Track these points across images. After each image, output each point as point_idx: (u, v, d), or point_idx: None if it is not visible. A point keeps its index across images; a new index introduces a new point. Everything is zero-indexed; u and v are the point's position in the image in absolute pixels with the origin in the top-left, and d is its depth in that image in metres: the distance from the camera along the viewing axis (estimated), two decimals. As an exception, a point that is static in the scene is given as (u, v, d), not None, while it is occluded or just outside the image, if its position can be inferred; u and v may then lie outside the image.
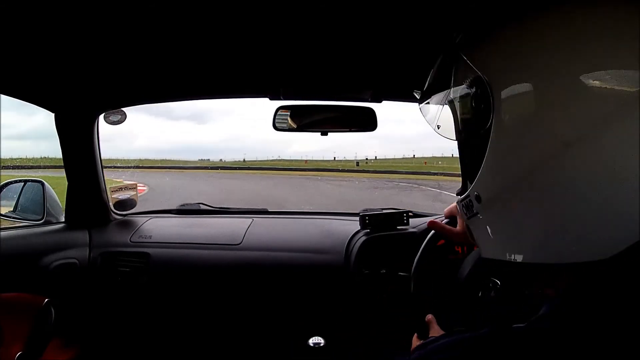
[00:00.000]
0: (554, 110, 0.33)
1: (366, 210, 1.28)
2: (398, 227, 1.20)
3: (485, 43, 0.41)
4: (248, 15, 0.73)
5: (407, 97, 1.23)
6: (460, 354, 0.33)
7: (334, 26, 0.78)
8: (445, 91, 0.45)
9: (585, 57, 0.33)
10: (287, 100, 1.15)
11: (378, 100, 1.18)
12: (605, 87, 0.32)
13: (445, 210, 0.76)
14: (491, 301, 0.77)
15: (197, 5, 0.69)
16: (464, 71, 0.41)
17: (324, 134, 1.19)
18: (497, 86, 0.37)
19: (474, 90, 0.40)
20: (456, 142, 0.48)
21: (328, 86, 1.15)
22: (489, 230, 0.40)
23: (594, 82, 0.32)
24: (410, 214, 1.25)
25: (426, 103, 0.50)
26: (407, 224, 1.21)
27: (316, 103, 1.16)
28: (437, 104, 0.48)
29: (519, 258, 0.37)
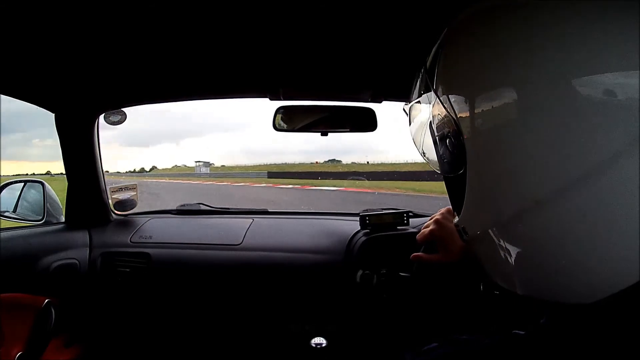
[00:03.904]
0: (528, 164, 0.30)
1: (366, 210, 1.28)
2: (398, 228, 1.20)
3: (450, 67, 0.37)
4: (248, 15, 0.73)
5: (407, 98, 1.23)
6: None
7: (334, 26, 0.78)
8: (425, 120, 0.42)
9: (575, 87, 0.28)
10: (287, 101, 1.15)
11: (378, 100, 1.18)
12: (593, 133, 0.28)
13: (418, 237, 0.75)
14: (490, 302, 0.77)
15: (197, 6, 0.69)
16: (436, 104, 0.38)
17: (324, 134, 1.19)
18: (467, 131, 0.34)
19: (446, 130, 0.37)
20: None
21: (328, 86, 1.15)
22: (481, 258, 0.40)
23: (581, 125, 0.28)
24: (410, 214, 1.25)
25: (412, 123, 0.47)
26: (408, 224, 1.21)
27: (316, 103, 1.16)
28: (420, 129, 0.45)
29: (508, 288, 0.36)
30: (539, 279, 0.33)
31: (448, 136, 0.36)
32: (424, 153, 0.44)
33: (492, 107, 0.32)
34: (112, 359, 1.27)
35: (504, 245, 0.34)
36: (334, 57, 0.96)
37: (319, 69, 1.04)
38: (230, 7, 0.70)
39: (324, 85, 1.14)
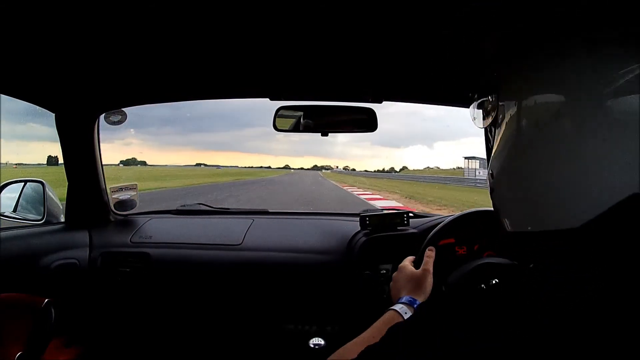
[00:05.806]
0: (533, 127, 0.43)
1: (366, 210, 1.28)
2: (398, 228, 1.20)
3: (512, 66, 0.48)
4: (249, 15, 0.73)
5: (408, 98, 1.23)
6: None
7: (334, 27, 0.78)
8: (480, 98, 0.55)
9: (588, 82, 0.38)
10: (288, 101, 1.15)
11: (378, 100, 1.18)
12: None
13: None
14: (489, 301, 0.77)
15: (197, 6, 0.69)
16: (490, 87, 0.52)
17: (325, 134, 1.19)
18: (506, 106, 0.47)
19: (490, 104, 0.51)
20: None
21: (328, 87, 1.15)
22: (499, 204, 0.50)
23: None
24: (410, 214, 1.25)
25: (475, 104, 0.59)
26: (408, 224, 1.21)
27: (316, 103, 1.17)
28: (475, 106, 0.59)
29: (513, 227, 0.46)
30: (536, 208, 0.42)
31: (490, 108, 0.51)
32: (474, 118, 0.57)
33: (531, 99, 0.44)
34: (112, 359, 1.27)
35: (511, 182, 0.46)
36: (334, 58, 0.96)
37: (319, 70, 1.04)
38: (231, 8, 0.70)
39: (324, 86, 1.15)
